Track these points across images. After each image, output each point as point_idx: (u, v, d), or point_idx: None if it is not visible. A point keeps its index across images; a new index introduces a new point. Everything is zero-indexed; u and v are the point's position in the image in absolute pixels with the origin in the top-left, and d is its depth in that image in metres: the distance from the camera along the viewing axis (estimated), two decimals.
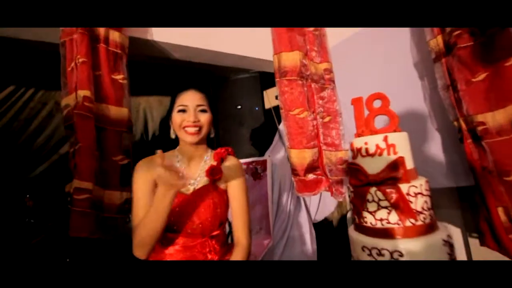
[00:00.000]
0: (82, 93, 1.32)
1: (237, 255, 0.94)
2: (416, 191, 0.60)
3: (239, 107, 2.14)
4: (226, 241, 1.04)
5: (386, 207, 0.60)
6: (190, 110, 0.93)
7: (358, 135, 0.71)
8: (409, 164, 0.64)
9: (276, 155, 1.92)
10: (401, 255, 0.56)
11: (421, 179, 0.64)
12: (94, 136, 1.33)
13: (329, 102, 1.39)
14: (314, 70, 1.36)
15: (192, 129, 0.92)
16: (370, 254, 0.61)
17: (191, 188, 0.95)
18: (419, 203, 0.60)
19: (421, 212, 0.59)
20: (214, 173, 0.96)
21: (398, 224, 0.59)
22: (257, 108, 2.15)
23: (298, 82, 1.26)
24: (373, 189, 0.62)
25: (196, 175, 0.97)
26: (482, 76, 1.31)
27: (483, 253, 1.48)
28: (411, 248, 0.56)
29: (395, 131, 0.66)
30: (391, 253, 0.57)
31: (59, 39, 1.43)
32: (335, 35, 2.11)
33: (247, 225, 0.98)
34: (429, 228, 0.60)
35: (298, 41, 1.30)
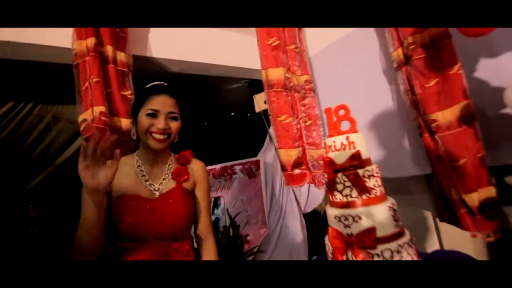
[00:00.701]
0: (98, 109, 1.52)
1: (211, 249, 0.99)
2: (368, 174, 0.85)
3: (232, 114, 2.38)
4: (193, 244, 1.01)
5: (349, 186, 0.85)
6: (160, 116, 0.88)
7: (330, 136, 0.96)
8: (365, 155, 0.89)
9: (267, 155, 2.16)
10: (360, 218, 0.81)
11: (373, 165, 0.89)
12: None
13: (310, 108, 1.65)
14: (296, 82, 1.62)
15: (160, 136, 0.87)
16: (340, 221, 0.85)
17: (156, 193, 0.91)
18: (371, 182, 0.84)
19: (373, 188, 0.84)
20: (181, 175, 0.95)
21: (358, 197, 0.84)
22: (248, 114, 2.40)
23: (283, 93, 1.51)
24: (340, 174, 0.87)
25: (159, 179, 0.94)
26: (433, 82, 1.59)
27: (449, 233, 1.77)
28: (366, 213, 0.81)
29: (354, 132, 0.91)
30: (353, 218, 0.82)
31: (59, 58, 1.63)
32: (318, 44, 2.41)
33: (211, 223, 1.02)
34: (379, 199, 0.85)
35: (282, 59, 1.55)
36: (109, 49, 1.65)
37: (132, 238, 0.84)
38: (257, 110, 2.81)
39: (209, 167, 2.25)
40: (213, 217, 2.13)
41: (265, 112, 2.49)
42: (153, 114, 0.88)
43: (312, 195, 2.09)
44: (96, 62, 1.58)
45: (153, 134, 0.87)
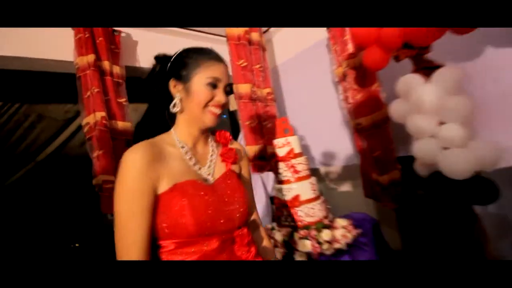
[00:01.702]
0: (99, 114, 1.88)
1: (265, 235, 0.90)
2: (298, 162, 1.36)
3: None
4: None
5: (286, 170, 1.36)
6: (220, 88, 0.74)
7: (276, 138, 1.46)
8: (297, 150, 1.40)
9: None
10: (291, 188, 1.32)
11: (302, 157, 1.40)
12: (110, 144, 1.91)
13: (271, 113, 2.15)
14: (260, 94, 2.11)
15: (218, 111, 0.75)
16: (281, 192, 1.36)
17: (210, 178, 0.77)
18: (299, 167, 1.36)
19: (300, 171, 1.36)
20: (231, 156, 0.81)
21: (291, 177, 1.36)
22: (224, 116, 2.85)
23: (249, 103, 1.99)
24: (282, 164, 1.38)
25: (206, 162, 0.79)
26: (360, 95, 2.17)
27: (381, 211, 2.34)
28: (295, 186, 1.33)
29: (291, 135, 1.41)
30: (288, 190, 1.33)
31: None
32: (285, 54, 2.93)
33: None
34: (304, 178, 1.36)
35: (248, 76, 2.03)
36: (106, 64, 2.00)
37: (196, 234, 0.66)
38: (231, 109, 3.27)
39: None
40: None
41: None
42: (214, 85, 0.73)
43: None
44: (96, 75, 1.93)
45: (211, 108, 0.74)
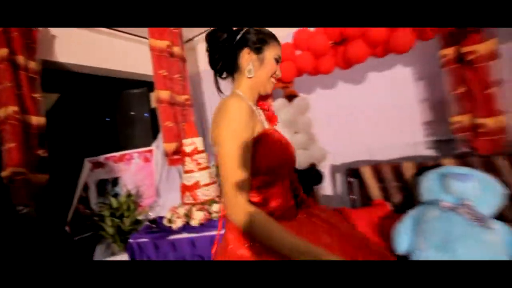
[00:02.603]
0: (11, 108, 1.94)
1: None
2: (200, 157, 1.87)
3: (133, 113, 3.04)
4: None
5: (191, 163, 1.85)
6: (279, 65, 0.86)
7: (185, 138, 1.92)
8: (200, 148, 1.91)
9: (161, 145, 2.98)
10: (194, 176, 1.82)
11: (204, 153, 1.91)
12: (22, 138, 1.99)
13: (188, 116, 2.58)
14: (178, 100, 2.52)
15: (275, 82, 0.87)
16: (186, 179, 1.84)
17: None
18: (201, 161, 1.87)
19: (201, 164, 1.87)
20: (274, 120, 0.96)
21: (194, 167, 1.85)
22: (146, 114, 3.12)
23: (168, 107, 2.38)
24: (188, 158, 1.85)
25: (263, 120, 0.90)
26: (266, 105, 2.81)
27: None
28: (198, 174, 1.83)
29: (196, 137, 1.91)
30: (191, 177, 1.82)
31: None
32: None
33: None
34: (204, 168, 1.88)
35: (168, 84, 2.41)
36: (20, 58, 2.05)
37: (276, 172, 0.78)
38: (153, 106, 3.55)
39: (110, 154, 2.88)
40: (113, 193, 2.79)
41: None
42: (278, 61, 0.85)
43: None
44: (9, 69, 1.97)
45: (272, 79, 0.85)
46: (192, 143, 1.89)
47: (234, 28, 0.85)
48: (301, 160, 2.00)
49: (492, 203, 1.44)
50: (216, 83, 0.92)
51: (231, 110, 0.73)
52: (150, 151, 2.94)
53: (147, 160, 2.93)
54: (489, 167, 1.63)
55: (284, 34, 2.04)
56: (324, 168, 2.28)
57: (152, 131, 3.16)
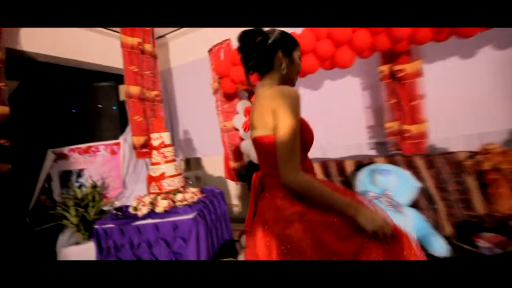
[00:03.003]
0: None
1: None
2: (166, 150, 2.01)
3: (100, 105, 3.06)
4: None
5: (158, 156, 1.99)
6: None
7: (153, 132, 2.06)
8: (167, 142, 2.05)
9: (128, 138, 3.03)
10: (160, 168, 1.96)
11: (171, 147, 2.06)
12: None
13: (157, 111, 2.70)
14: (148, 95, 2.62)
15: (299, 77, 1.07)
16: (152, 171, 1.98)
17: None
18: (167, 154, 2.02)
19: (168, 157, 2.02)
20: None
21: (161, 160, 2.00)
22: (114, 108, 3.15)
23: (138, 102, 2.48)
24: (155, 151, 1.99)
25: None
26: (227, 105, 3.00)
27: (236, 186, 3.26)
28: (163, 167, 1.97)
29: (163, 132, 2.05)
30: (157, 169, 1.96)
31: None
32: (178, 59, 3.46)
33: None
34: (171, 161, 2.03)
35: (139, 80, 2.50)
36: None
37: (307, 149, 0.98)
38: (122, 98, 3.57)
39: (75, 146, 2.88)
40: (77, 184, 2.80)
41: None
42: (300, 60, 1.03)
43: None
44: None
45: (297, 75, 1.03)
46: (160, 137, 2.03)
47: (266, 30, 0.97)
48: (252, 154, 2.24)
49: (407, 194, 1.79)
50: (247, 76, 1.01)
51: (294, 97, 0.86)
52: (117, 144, 2.99)
53: (114, 152, 2.98)
54: (410, 165, 1.99)
55: None
56: None
57: (120, 125, 3.20)
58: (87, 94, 3.04)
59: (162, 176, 1.98)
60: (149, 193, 2.01)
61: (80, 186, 2.74)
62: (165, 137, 2.06)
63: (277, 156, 0.84)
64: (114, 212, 2.00)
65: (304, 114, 0.97)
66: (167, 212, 1.84)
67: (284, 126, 0.82)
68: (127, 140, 3.07)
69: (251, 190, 1.03)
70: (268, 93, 0.90)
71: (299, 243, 0.82)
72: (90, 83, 3.03)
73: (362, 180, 1.91)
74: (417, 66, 2.04)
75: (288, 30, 1.07)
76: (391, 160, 2.05)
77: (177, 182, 2.03)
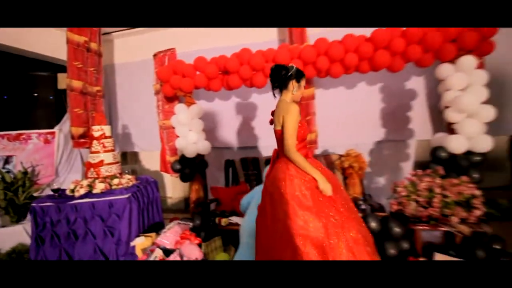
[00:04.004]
0: None
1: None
2: (106, 141, 2.32)
3: (36, 94, 3.09)
4: None
5: (98, 145, 2.28)
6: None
7: (94, 124, 2.33)
8: (107, 134, 2.35)
9: (64, 128, 3.13)
10: (99, 156, 2.26)
11: (111, 139, 2.37)
12: None
13: (98, 105, 2.92)
14: (90, 90, 2.83)
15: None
16: (92, 158, 2.26)
17: None
18: (107, 144, 2.32)
19: (107, 147, 2.32)
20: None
21: (100, 149, 2.29)
22: (51, 97, 3.21)
23: (79, 96, 2.69)
24: (95, 141, 2.28)
25: None
26: (167, 106, 3.38)
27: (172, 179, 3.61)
28: (102, 155, 2.28)
29: (104, 125, 2.35)
30: (97, 157, 2.25)
31: None
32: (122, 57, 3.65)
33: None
34: (109, 150, 2.34)
35: (82, 75, 2.72)
36: None
37: (301, 141, 1.51)
38: (59, 87, 3.59)
39: (4, 132, 2.87)
40: (4, 171, 2.79)
41: (64, 92, 3.38)
42: (304, 87, 1.62)
43: None
44: None
45: (300, 95, 1.62)
46: (101, 129, 2.33)
47: (288, 66, 1.55)
48: (190, 151, 2.71)
49: None
50: (273, 90, 1.60)
51: (295, 110, 1.45)
52: (52, 133, 3.07)
53: (47, 141, 3.05)
54: None
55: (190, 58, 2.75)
56: (211, 158, 3.10)
57: (56, 114, 3.27)
58: (23, 82, 3.03)
59: (101, 163, 2.28)
60: (87, 177, 2.29)
61: (8, 172, 2.76)
62: (106, 129, 2.37)
63: (283, 141, 1.45)
64: (51, 193, 2.21)
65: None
66: (104, 193, 2.16)
67: (287, 125, 1.43)
68: (62, 130, 3.17)
69: (272, 158, 1.65)
70: (283, 105, 1.51)
71: (274, 191, 1.44)
72: (26, 71, 3.05)
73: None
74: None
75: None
76: None
77: (114, 169, 2.35)
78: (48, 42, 3.02)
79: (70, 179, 3.00)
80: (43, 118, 3.08)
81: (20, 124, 2.96)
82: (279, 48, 2.53)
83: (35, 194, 2.70)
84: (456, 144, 2.01)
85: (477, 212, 1.68)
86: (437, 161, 2.08)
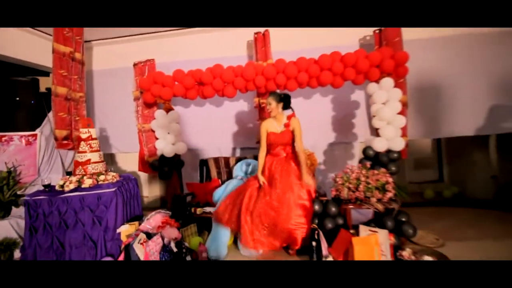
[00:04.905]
0: None
1: (302, 157, 2.45)
2: (93, 142, 2.62)
3: (18, 99, 3.25)
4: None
5: (85, 146, 2.57)
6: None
7: (82, 127, 2.62)
8: (94, 136, 2.65)
9: (44, 130, 3.31)
10: (86, 155, 2.55)
11: (96, 140, 2.67)
12: None
13: (80, 110, 3.18)
14: (74, 96, 3.09)
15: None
16: (79, 158, 2.55)
17: (279, 129, 2.55)
18: (93, 145, 2.62)
19: (93, 147, 2.62)
20: (287, 125, 2.52)
21: (87, 149, 2.59)
22: (32, 102, 3.38)
23: (64, 101, 2.94)
24: (83, 142, 2.57)
25: (281, 125, 2.56)
26: (147, 110, 3.70)
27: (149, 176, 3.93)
28: (89, 155, 2.57)
29: (92, 128, 2.65)
30: (84, 156, 2.54)
31: None
32: (101, 63, 3.90)
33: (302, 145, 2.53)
34: (95, 150, 2.64)
35: (67, 83, 2.97)
36: None
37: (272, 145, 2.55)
38: (41, 90, 3.75)
39: None
40: None
41: (44, 96, 3.57)
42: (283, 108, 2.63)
43: None
44: None
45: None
46: (88, 132, 2.63)
47: (288, 93, 2.63)
48: (169, 151, 3.08)
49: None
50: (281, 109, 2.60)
51: (263, 123, 2.61)
52: (34, 135, 3.25)
53: (29, 143, 3.22)
54: None
55: (170, 68, 3.13)
56: (187, 158, 3.48)
57: (38, 117, 3.44)
58: (4, 87, 3.19)
59: (88, 162, 2.57)
60: (75, 174, 2.56)
61: None
62: (92, 132, 2.67)
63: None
64: (42, 188, 2.46)
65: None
66: (92, 188, 2.46)
67: (260, 136, 2.56)
68: (43, 132, 3.35)
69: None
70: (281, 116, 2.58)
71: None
72: (7, 76, 3.21)
73: (236, 169, 3.03)
74: None
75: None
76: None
77: (100, 167, 2.66)
78: (28, 48, 3.21)
79: (51, 178, 3.20)
80: (25, 121, 3.25)
81: (3, 126, 3.11)
82: (246, 65, 3.02)
83: (19, 192, 2.88)
84: (379, 145, 2.64)
85: (389, 194, 2.29)
86: (367, 157, 2.70)
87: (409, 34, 3.22)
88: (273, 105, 2.52)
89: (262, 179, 2.49)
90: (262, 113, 3.35)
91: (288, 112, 2.60)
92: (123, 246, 2.26)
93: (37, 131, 3.29)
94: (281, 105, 2.54)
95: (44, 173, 3.23)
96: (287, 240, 2.31)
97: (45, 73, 3.67)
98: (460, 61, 3.32)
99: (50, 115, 3.45)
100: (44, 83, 3.88)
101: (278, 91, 3.04)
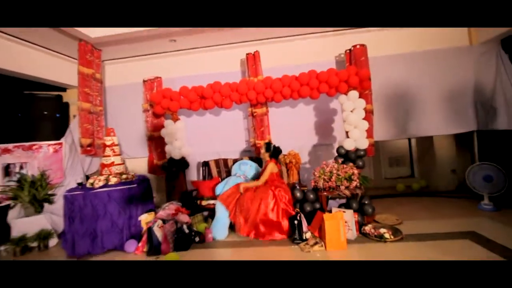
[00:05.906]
0: None
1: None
2: (116, 148, 3.19)
3: (46, 112, 3.82)
4: None
5: (110, 151, 3.14)
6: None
7: (106, 136, 3.19)
8: (116, 142, 3.22)
9: (68, 139, 3.87)
10: (111, 159, 3.11)
11: (118, 146, 3.22)
12: None
13: (100, 121, 3.75)
14: (95, 110, 3.67)
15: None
16: (104, 161, 3.11)
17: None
18: (116, 150, 3.19)
19: (116, 151, 3.19)
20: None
21: (111, 153, 3.15)
22: (58, 115, 3.94)
23: (88, 114, 3.52)
24: (108, 148, 3.14)
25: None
26: (155, 121, 4.29)
27: (158, 178, 4.49)
28: (113, 158, 3.14)
29: (114, 136, 3.21)
30: (109, 159, 3.11)
31: None
32: (114, 80, 4.49)
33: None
34: (118, 154, 3.20)
35: (90, 99, 3.55)
36: None
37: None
38: (64, 100, 4.31)
39: (20, 144, 3.56)
40: (19, 176, 3.46)
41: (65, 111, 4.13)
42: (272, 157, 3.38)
43: (93, 162, 4.11)
44: None
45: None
46: (112, 139, 3.20)
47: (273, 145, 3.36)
48: (176, 154, 3.66)
49: (254, 173, 3.59)
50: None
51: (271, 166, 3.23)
52: (59, 143, 3.80)
53: (56, 150, 3.76)
54: (259, 160, 3.84)
55: (176, 84, 3.74)
56: (191, 161, 4.07)
57: (61, 128, 4.01)
58: (32, 102, 3.76)
59: (112, 164, 3.14)
60: (102, 174, 3.13)
61: (23, 175, 3.44)
62: (115, 139, 3.24)
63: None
64: (76, 185, 3.01)
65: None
66: (117, 184, 3.02)
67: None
68: (67, 141, 3.91)
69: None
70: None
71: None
72: (33, 96, 3.78)
73: (234, 168, 3.62)
74: (264, 110, 3.98)
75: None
76: (250, 158, 3.87)
77: (122, 168, 3.22)
78: (52, 68, 3.79)
79: (74, 181, 3.75)
80: (52, 131, 3.81)
81: (33, 136, 3.67)
82: (240, 82, 3.65)
83: (50, 192, 3.42)
84: (348, 144, 3.28)
85: (354, 183, 2.91)
86: (339, 155, 3.33)
87: (377, 51, 3.92)
88: (262, 151, 3.40)
89: (242, 188, 3.11)
90: (254, 121, 3.97)
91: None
92: (145, 229, 2.82)
93: (62, 140, 3.84)
94: (268, 154, 3.30)
95: (68, 176, 3.77)
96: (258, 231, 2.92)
97: (61, 88, 4.22)
98: (419, 73, 4.01)
99: (72, 126, 4.02)
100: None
101: (272, 144, 3.48)
